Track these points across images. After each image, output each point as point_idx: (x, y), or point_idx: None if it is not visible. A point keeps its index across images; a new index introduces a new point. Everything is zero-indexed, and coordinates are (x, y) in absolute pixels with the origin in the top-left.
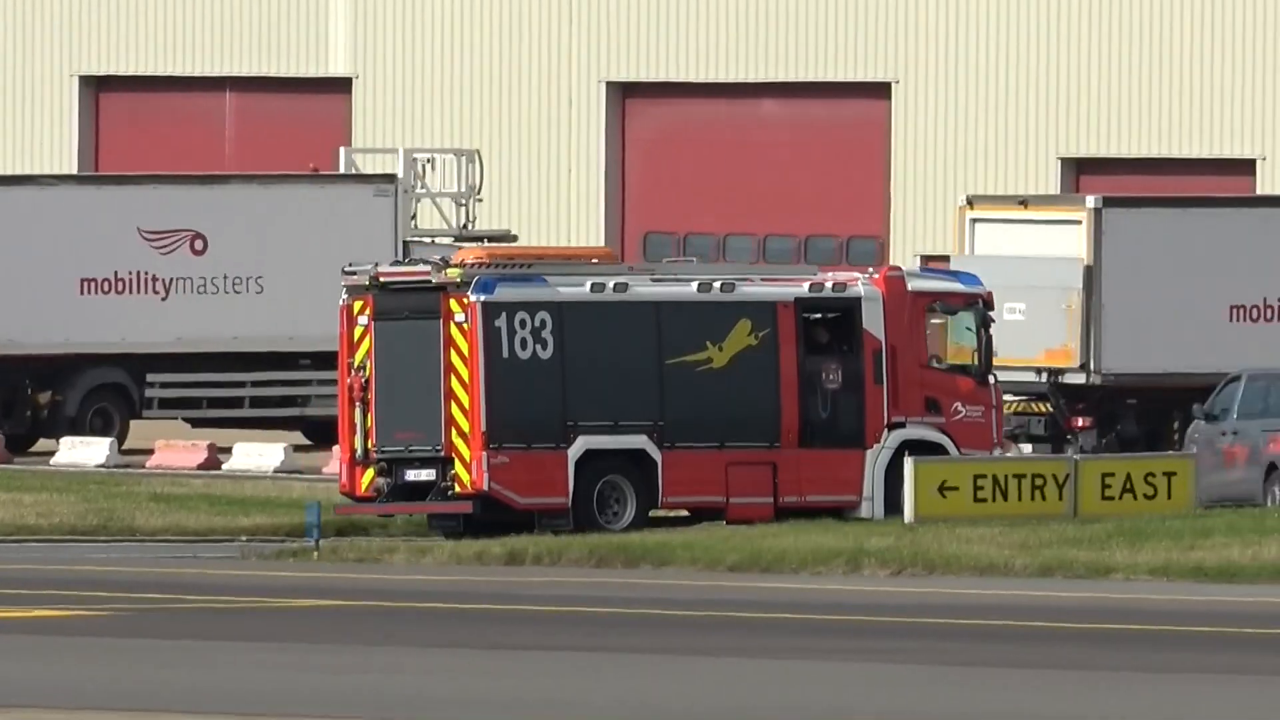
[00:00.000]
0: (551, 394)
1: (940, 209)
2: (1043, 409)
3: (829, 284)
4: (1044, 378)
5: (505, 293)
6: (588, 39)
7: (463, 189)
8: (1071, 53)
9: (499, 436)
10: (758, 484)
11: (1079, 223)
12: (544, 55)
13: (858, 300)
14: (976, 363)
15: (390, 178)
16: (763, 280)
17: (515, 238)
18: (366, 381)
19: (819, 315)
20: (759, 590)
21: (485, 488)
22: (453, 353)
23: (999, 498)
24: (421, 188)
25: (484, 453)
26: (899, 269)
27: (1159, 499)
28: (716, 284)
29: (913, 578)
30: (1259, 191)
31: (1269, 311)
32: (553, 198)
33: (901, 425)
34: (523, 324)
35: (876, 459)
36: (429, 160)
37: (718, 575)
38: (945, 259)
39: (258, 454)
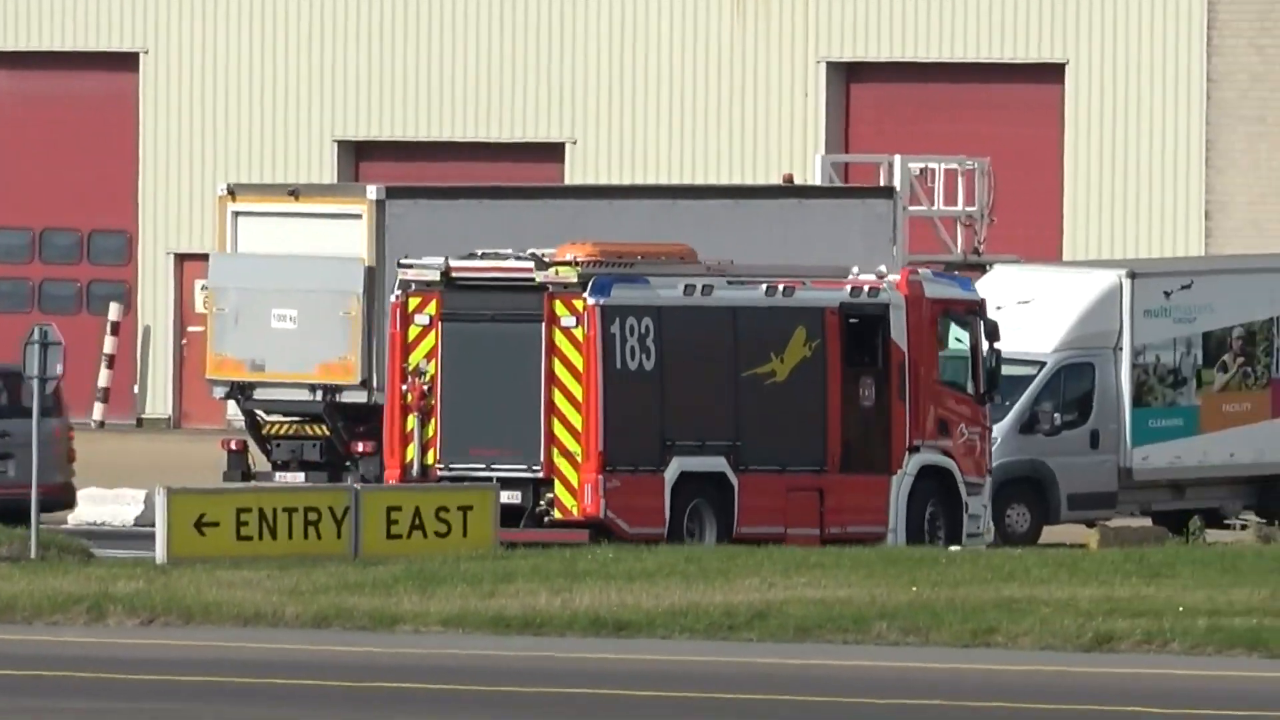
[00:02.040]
0: (653, 410)
1: (200, 199)
2: (319, 432)
3: (866, 288)
4: (320, 396)
5: (620, 295)
6: None
7: None
8: (340, 24)
9: (615, 458)
10: (809, 513)
11: (359, 216)
12: None
13: (887, 307)
14: (978, 379)
15: None
16: (813, 283)
17: None
18: (429, 389)
19: (852, 324)
20: None
21: (601, 515)
22: (555, 362)
23: (267, 535)
24: None
25: (600, 476)
26: (918, 271)
27: (454, 537)
28: (780, 287)
29: (166, 628)
30: (569, 179)
31: None
32: None
33: (917, 449)
34: (632, 331)
35: (900, 485)
36: None
37: None
38: (205, 257)
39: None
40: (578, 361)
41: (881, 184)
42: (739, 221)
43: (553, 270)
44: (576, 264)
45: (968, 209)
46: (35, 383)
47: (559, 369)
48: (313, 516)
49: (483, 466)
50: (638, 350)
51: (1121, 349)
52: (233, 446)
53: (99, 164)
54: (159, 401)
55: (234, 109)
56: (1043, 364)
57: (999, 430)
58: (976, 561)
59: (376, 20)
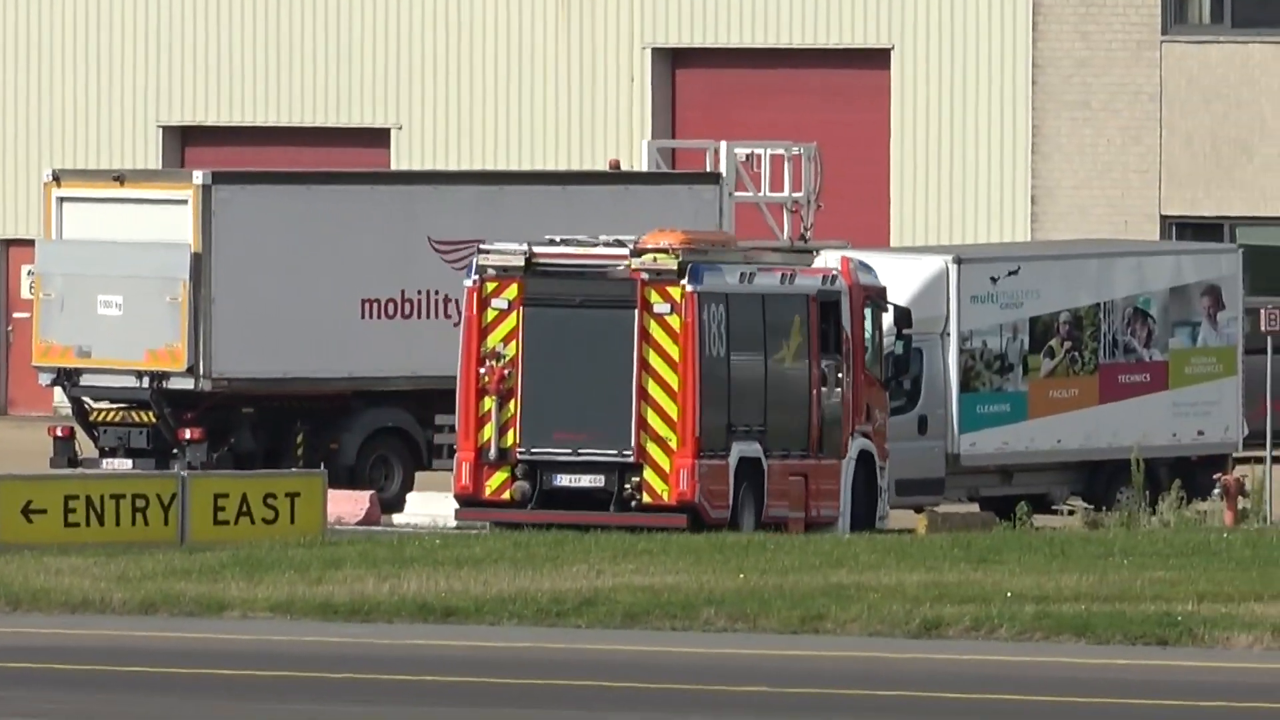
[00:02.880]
0: (722, 395)
1: (26, 184)
2: (146, 418)
3: (831, 276)
4: (146, 382)
5: (709, 282)
6: None
7: None
8: (165, 7)
9: (707, 444)
10: (799, 497)
11: (185, 202)
12: None
13: (840, 294)
14: (882, 365)
15: None
16: (802, 272)
17: None
18: (509, 372)
19: (823, 311)
20: None
21: (696, 499)
22: (648, 348)
23: (94, 522)
24: None
25: (695, 462)
26: (853, 259)
27: (281, 523)
28: (789, 275)
29: None
30: (395, 164)
31: (408, 306)
32: None
33: (854, 434)
34: (713, 318)
35: (847, 469)
36: None
37: None
38: (31, 243)
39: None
40: (671, 348)
41: (708, 170)
42: (566, 208)
43: (651, 257)
44: (675, 252)
45: (795, 194)
46: None
47: (651, 355)
48: (140, 503)
49: (568, 451)
50: (716, 337)
51: (948, 334)
52: (60, 433)
53: None
54: None
55: (59, 93)
56: None
57: None
58: (805, 548)
59: (202, 4)
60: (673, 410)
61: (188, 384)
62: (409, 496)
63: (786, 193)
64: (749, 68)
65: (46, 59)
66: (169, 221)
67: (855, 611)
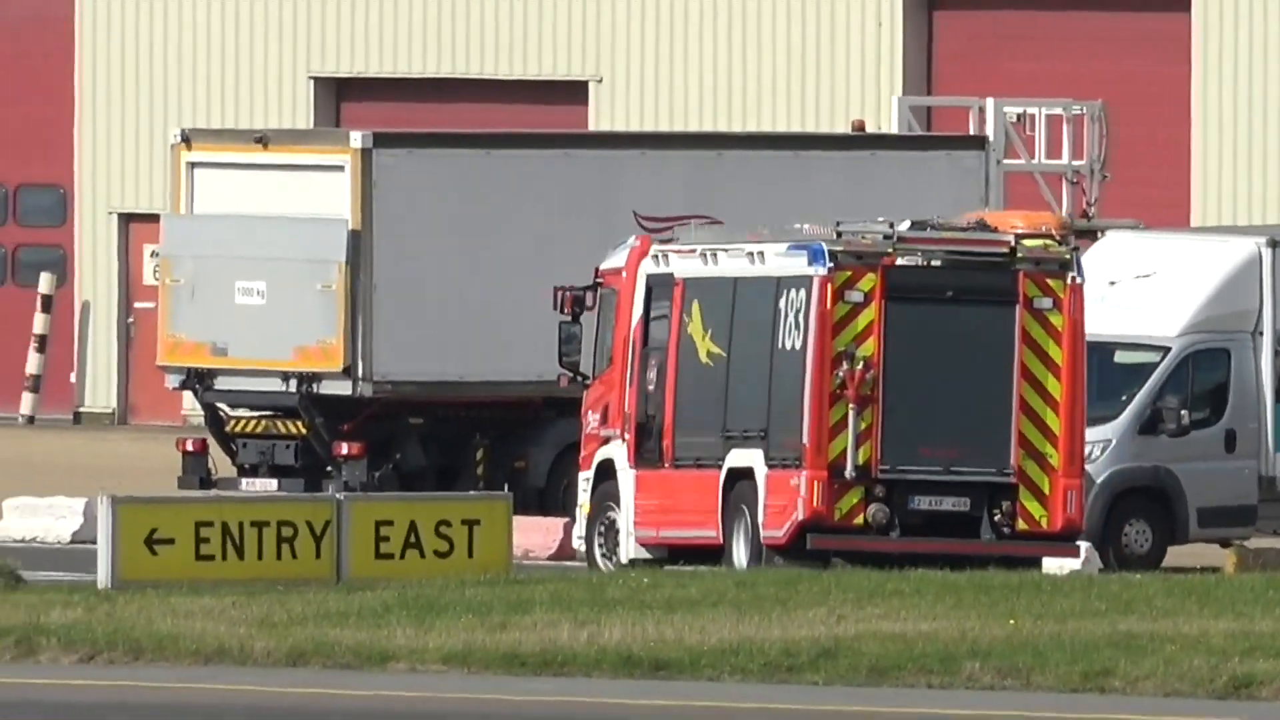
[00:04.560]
0: None
1: (150, 147)
2: (294, 429)
3: None
4: (295, 386)
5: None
6: None
7: None
8: None
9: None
10: None
11: (341, 169)
12: None
13: None
14: None
15: None
16: None
17: None
18: (871, 377)
19: None
20: None
21: (1084, 527)
22: (1027, 350)
23: (233, 554)
24: None
25: (1082, 482)
26: None
27: (457, 557)
28: None
29: (111, 666)
30: (594, 124)
31: None
32: None
33: None
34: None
35: None
36: None
37: None
38: (156, 218)
39: None
40: (1054, 350)
41: (971, 132)
42: (798, 177)
43: (1042, 244)
44: (1055, 237)
45: (1076, 163)
46: None
47: (1031, 358)
48: (287, 532)
49: (938, 469)
50: None
51: (1262, 333)
52: (190, 447)
53: (29, 104)
54: (101, 392)
55: (190, 39)
56: (1167, 350)
57: (1114, 430)
58: (1087, 589)
59: None
60: (1054, 423)
61: (344, 388)
62: None
63: (1066, 160)
64: (1021, 9)
65: None
66: (322, 192)
67: (1149, 667)
